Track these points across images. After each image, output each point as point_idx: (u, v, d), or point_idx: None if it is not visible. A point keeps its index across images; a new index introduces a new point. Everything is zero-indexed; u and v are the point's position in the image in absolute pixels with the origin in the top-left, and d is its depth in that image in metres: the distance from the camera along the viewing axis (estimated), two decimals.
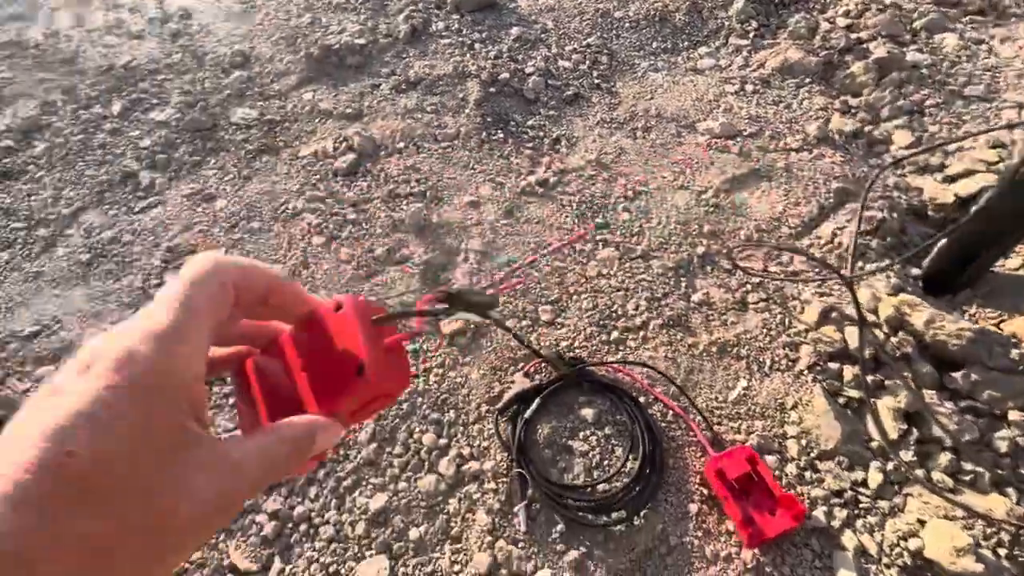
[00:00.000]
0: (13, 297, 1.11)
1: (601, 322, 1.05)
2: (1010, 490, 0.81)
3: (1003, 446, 0.85)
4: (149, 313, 0.23)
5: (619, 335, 1.02)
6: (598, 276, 1.13)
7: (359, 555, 0.77)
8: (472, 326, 1.03)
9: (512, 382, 0.96)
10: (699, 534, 0.80)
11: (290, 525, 0.79)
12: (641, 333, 1.03)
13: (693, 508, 0.82)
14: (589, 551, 0.78)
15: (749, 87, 1.59)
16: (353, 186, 1.31)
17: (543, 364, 0.98)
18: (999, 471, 0.82)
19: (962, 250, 1.05)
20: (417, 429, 0.90)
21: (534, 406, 0.89)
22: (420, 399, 0.93)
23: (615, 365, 0.96)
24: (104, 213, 1.28)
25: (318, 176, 1.33)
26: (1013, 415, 0.86)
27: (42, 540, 0.18)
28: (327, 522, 0.80)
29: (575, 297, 1.10)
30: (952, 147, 1.37)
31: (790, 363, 0.97)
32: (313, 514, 0.80)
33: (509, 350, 1.00)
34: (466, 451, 0.87)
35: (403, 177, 1.32)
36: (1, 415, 0.80)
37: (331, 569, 0.75)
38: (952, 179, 1.30)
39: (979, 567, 0.71)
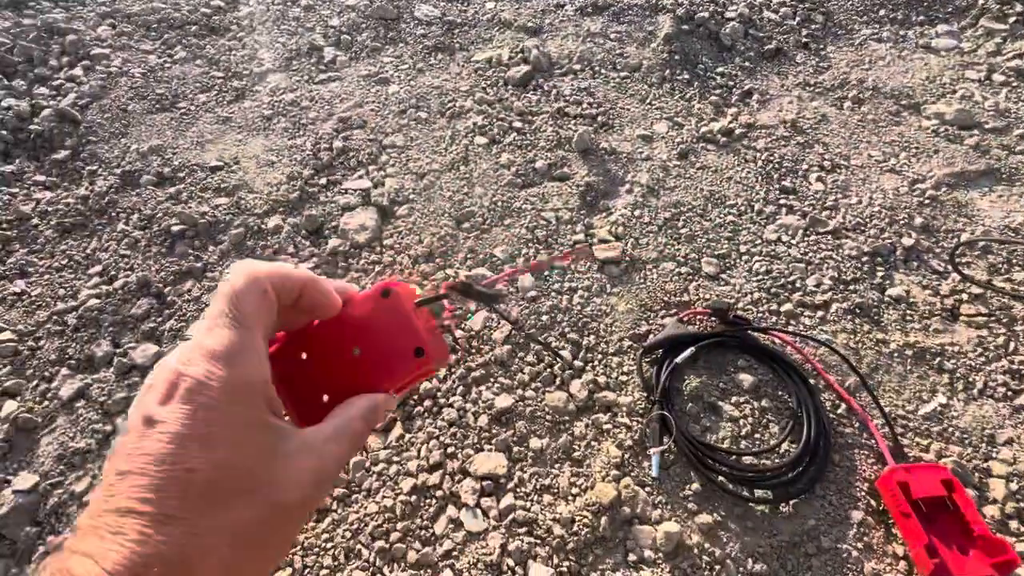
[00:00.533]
0: (204, 134, 1.19)
1: (773, 290, 0.92)
2: None
3: None
4: (206, 332, 0.25)
5: (792, 308, 0.89)
6: (777, 241, 0.99)
7: (478, 446, 0.73)
8: (625, 260, 0.95)
9: (662, 325, 0.87)
10: (859, 545, 0.67)
11: (415, 397, 0.78)
12: (820, 313, 0.89)
13: (856, 516, 0.69)
14: (723, 521, 0.69)
15: (998, 76, 1.31)
16: (523, 97, 1.25)
17: (698, 316, 0.88)
18: None
19: None
20: (553, 344, 0.84)
21: (687, 353, 0.80)
22: (561, 316, 0.87)
23: (784, 336, 0.84)
24: (289, 78, 1.33)
25: (489, 82, 1.29)
26: None
27: (192, 541, 0.22)
28: (451, 405, 0.77)
29: (746, 257, 0.97)
30: None
31: (1010, 393, 0.79)
32: (439, 395, 0.78)
33: (664, 292, 0.91)
34: (601, 379, 0.80)
35: (575, 98, 1.24)
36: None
37: (449, 451, 0.73)
38: None
39: None
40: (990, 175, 1.11)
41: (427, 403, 0.77)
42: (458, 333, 0.85)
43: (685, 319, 0.87)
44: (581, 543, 0.65)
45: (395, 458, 0.72)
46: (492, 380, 0.80)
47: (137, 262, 0.95)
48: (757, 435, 0.76)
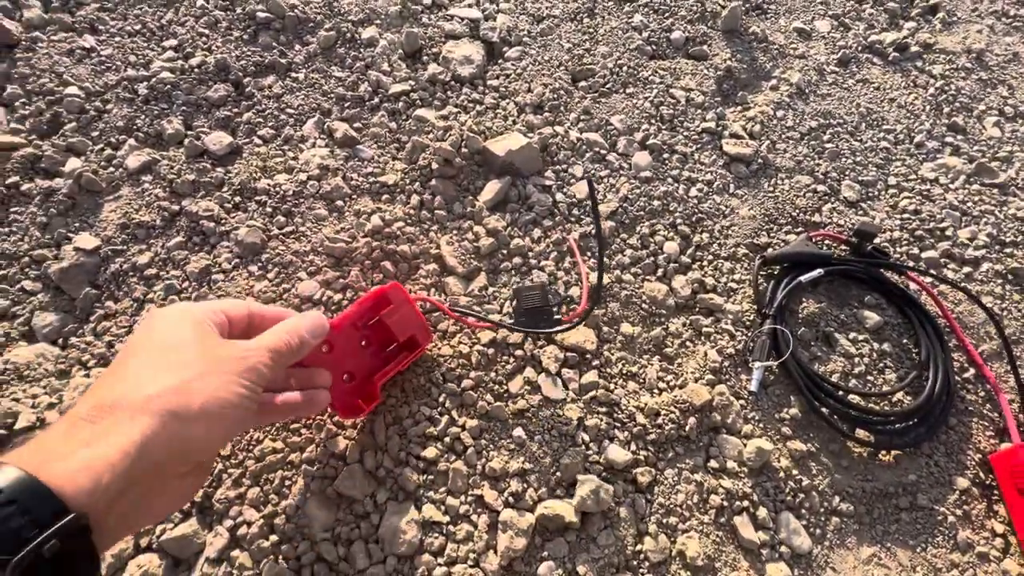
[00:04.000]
0: None
1: (918, 232, 0.80)
2: None
3: None
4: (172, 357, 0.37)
5: (936, 256, 0.77)
6: (934, 182, 0.85)
7: (565, 317, 0.66)
8: (757, 162, 0.82)
9: (786, 240, 0.76)
10: (957, 512, 0.61)
11: (504, 251, 0.70)
12: (967, 269, 0.77)
13: (961, 483, 0.63)
14: (817, 453, 0.63)
15: None
16: None
17: (829, 241, 0.77)
18: None
19: None
20: (661, 232, 0.74)
21: (814, 274, 0.70)
22: (674, 205, 0.77)
23: (926, 282, 0.73)
24: None
25: None
26: None
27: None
28: (541, 268, 0.69)
29: (893, 190, 0.84)
30: None
31: None
32: (531, 255, 0.70)
33: (793, 207, 0.79)
34: (709, 281, 0.71)
35: None
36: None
37: None
38: None
39: None
40: None
41: (516, 260, 0.69)
42: (560, 197, 0.75)
43: (815, 240, 0.76)
44: (663, 437, 0.60)
45: (476, 307, 0.65)
46: (589, 256, 0.71)
47: (216, 44, 0.84)
48: (870, 377, 0.68)
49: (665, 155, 0.81)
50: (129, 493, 0.30)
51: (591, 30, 0.94)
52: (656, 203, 0.77)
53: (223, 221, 0.69)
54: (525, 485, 0.56)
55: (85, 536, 0.28)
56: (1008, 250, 0.80)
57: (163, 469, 0.32)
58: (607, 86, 0.87)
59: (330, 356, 0.52)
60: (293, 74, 0.83)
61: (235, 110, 0.79)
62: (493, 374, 0.61)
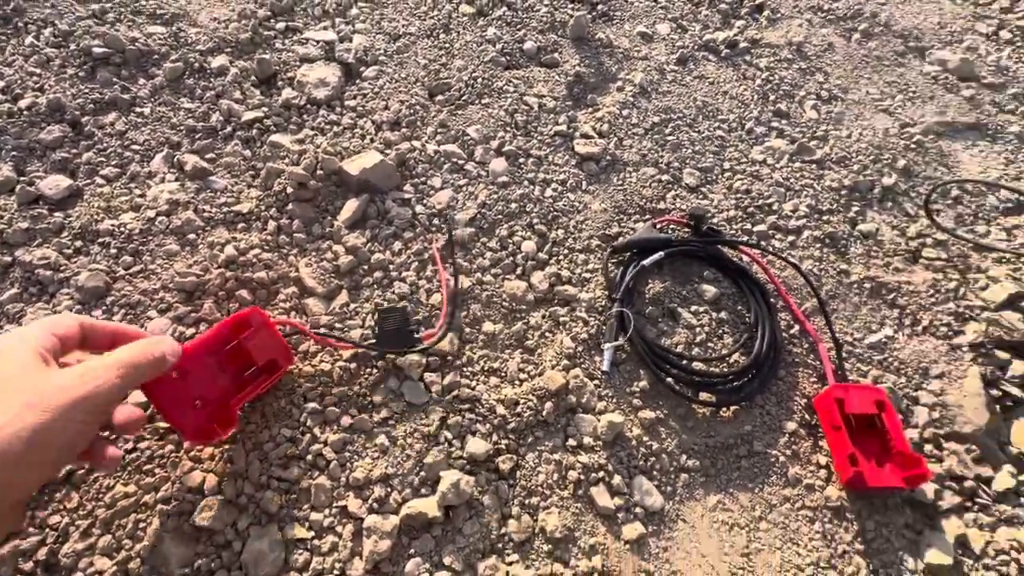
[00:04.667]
0: None
1: (750, 209, 0.89)
2: None
3: None
4: None
5: (765, 229, 0.87)
6: (762, 163, 0.95)
7: (427, 323, 0.69)
8: (606, 159, 0.89)
9: (634, 229, 0.83)
10: (787, 452, 0.70)
11: (365, 267, 0.72)
12: (791, 238, 0.88)
13: (789, 426, 0.71)
14: (665, 419, 0.69)
15: (1006, 33, 1.27)
16: None
17: (672, 225, 0.85)
18: None
19: None
20: (519, 233, 0.79)
21: (655, 257, 0.77)
22: (531, 206, 0.82)
23: (754, 253, 0.82)
24: None
25: None
26: None
27: None
28: (403, 279, 0.72)
29: (728, 174, 0.93)
30: None
31: (950, 333, 0.82)
32: (391, 267, 0.73)
33: (641, 197, 0.87)
34: (565, 273, 0.77)
35: None
36: None
37: None
38: None
39: None
40: (977, 129, 1.10)
41: (377, 274, 0.72)
42: (419, 209, 0.78)
43: (659, 225, 0.84)
44: (523, 424, 0.64)
45: (337, 324, 0.67)
46: (450, 263, 0.75)
47: (49, 83, 0.81)
48: (711, 344, 0.76)
49: (521, 160, 0.86)
50: None
51: (447, 45, 0.98)
52: (514, 206, 0.81)
53: (63, 268, 0.67)
54: (389, 489, 0.58)
55: None
56: (825, 217, 0.91)
57: None
58: (463, 98, 0.91)
59: (181, 382, 0.52)
60: (138, 109, 0.81)
61: (74, 151, 0.76)
62: (357, 387, 0.63)
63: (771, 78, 1.07)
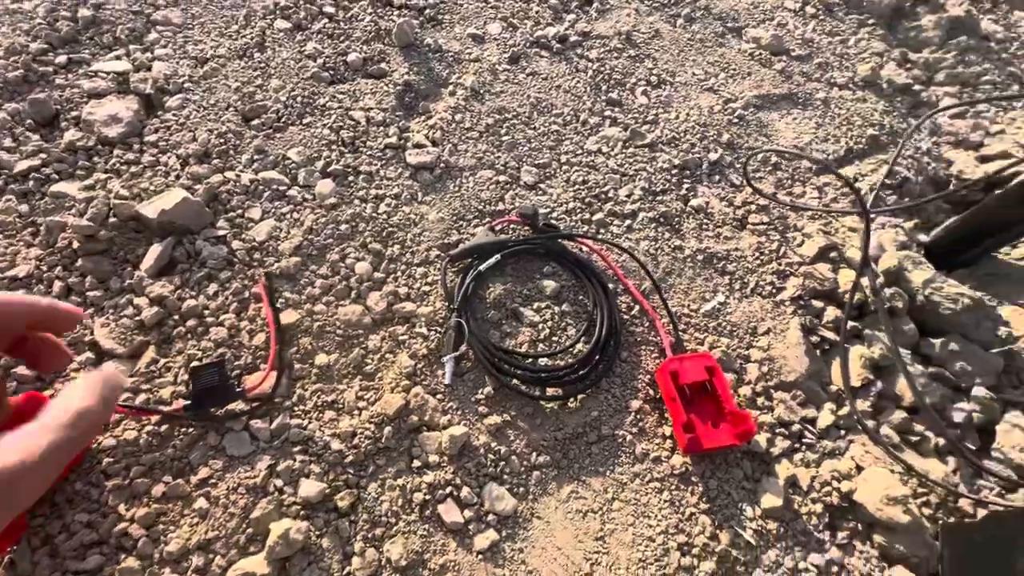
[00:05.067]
0: None
1: (588, 200, 0.92)
2: (951, 459, 0.78)
3: (958, 417, 0.81)
4: None
5: (604, 217, 0.90)
6: (597, 152, 0.99)
7: (252, 366, 0.65)
8: (440, 167, 0.88)
9: (474, 234, 0.83)
10: (634, 431, 0.73)
11: (176, 317, 0.66)
12: (628, 222, 0.91)
13: (635, 404, 0.75)
14: (513, 420, 0.70)
15: (810, 8, 1.40)
16: None
17: (511, 225, 0.85)
18: (946, 440, 0.78)
19: (972, 229, 0.97)
20: (352, 255, 0.77)
21: (491, 261, 0.78)
22: (363, 225, 0.79)
23: (590, 243, 0.85)
24: None
25: None
26: (976, 391, 0.82)
27: None
28: (221, 324, 0.67)
29: (566, 167, 0.96)
30: (994, 128, 1.26)
31: (774, 291, 0.89)
32: (207, 312, 0.68)
33: (479, 201, 0.87)
34: (403, 291, 0.75)
35: None
36: None
37: None
38: (986, 159, 1.20)
39: (905, 519, 0.68)
40: (789, 99, 1.20)
41: (190, 323, 0.66)
42: (237, 244, 0.73)
43: (497, 228, 0.84)
44: (361, 455, 0.62)
45: (144, 386, 0.61)
46: (275, 294, 0.71)
47: None
48: (555, 338, 0.77)
49: (350, 178, 0.84)
50: None
51: (262, 65, 0.92)
52: (344, 227, 0.79)
53: None
54: (211, 556, 0.54)
55: None
56: (659, 198, 0.96)
57: None
58: (282, 120, 0.87)
59: None
60: None
61: None
62: (170, 450, 0.58)
63: (602, 68, 1.11)
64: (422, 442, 0.65)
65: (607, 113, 1.05)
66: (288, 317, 0.69)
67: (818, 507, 0.71)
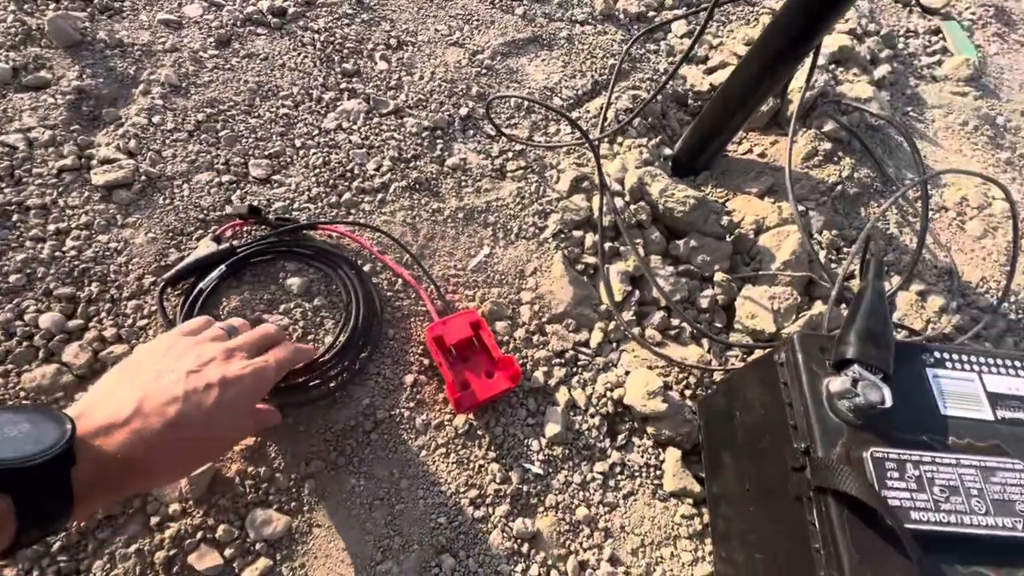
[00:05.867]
0: None
1: (332, 182, 0.87)
2: (704, 341, 0.88)
3: (704, 303, 0.92)
4: None
5: (352, 196, 0.86)
6: (336, 130, 0.93)
7: None
8: (139, 181, 0.76)
9: (195, 248, 0.74)
10: (411, 405, 0.72)
11: None
12: (379, 196, 0.88)
13: (409, 379, 0.73)
14: (269, 436, 0.65)
15: None
16: None
17: (243, 229, 0.77)
18: (698, 325, 0.89)
19: (700, 136, 1.09)
20: (32, 309, 0.64)
21: (215, 274, 0.70)
22: (43, 270, 0.66)
23: (338, 228, 0.80)
24: None
25: None
26: (717, 276, 0.94)
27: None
28: None
29: (302, 152, 0.89)
30: (715, 41, 1.42)
31: (537, 231, 0.92)
32: None
33: (199, 209, 0.77)
34: (110, 332, 0.65)
35: None
36: None
37: None
38: (711, 70, 1.35)
39: (663, 406, 0.76)
40: (535, 42, 1.23)
41: None
42: None
43: (221, 235, 0.76)
44: (75, 536, 0.53)
45: None
46: None
47: None
48: (311, 336, 0.73)
49: (15, 217, 0.69)
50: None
51: None
52: (15, 278, 0.65)
53: None
54: None
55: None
56: (412, 164, 0.93)
57: None
58: None
59: None
60: None
61: None
62: None
63: (332, 39, 1.04)
64: (158, 496, 0.58)
65: (344, 86, 0.99)
66: None
67: (596, 420, 0.77)
